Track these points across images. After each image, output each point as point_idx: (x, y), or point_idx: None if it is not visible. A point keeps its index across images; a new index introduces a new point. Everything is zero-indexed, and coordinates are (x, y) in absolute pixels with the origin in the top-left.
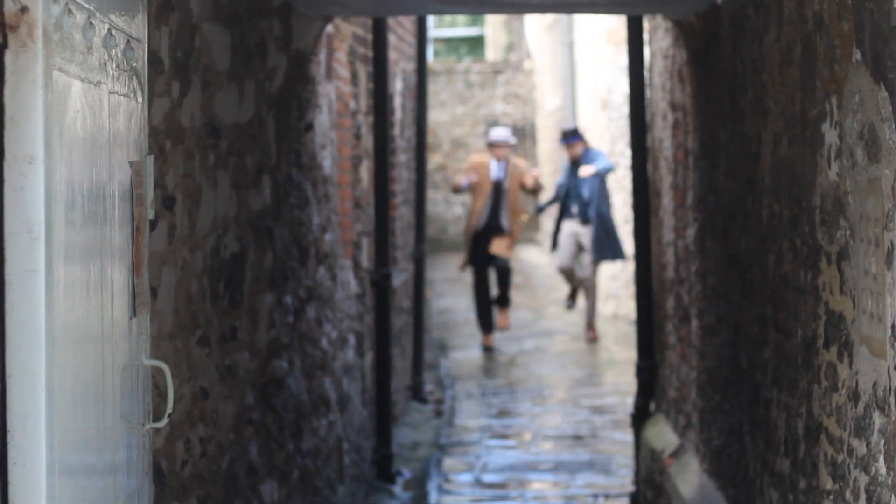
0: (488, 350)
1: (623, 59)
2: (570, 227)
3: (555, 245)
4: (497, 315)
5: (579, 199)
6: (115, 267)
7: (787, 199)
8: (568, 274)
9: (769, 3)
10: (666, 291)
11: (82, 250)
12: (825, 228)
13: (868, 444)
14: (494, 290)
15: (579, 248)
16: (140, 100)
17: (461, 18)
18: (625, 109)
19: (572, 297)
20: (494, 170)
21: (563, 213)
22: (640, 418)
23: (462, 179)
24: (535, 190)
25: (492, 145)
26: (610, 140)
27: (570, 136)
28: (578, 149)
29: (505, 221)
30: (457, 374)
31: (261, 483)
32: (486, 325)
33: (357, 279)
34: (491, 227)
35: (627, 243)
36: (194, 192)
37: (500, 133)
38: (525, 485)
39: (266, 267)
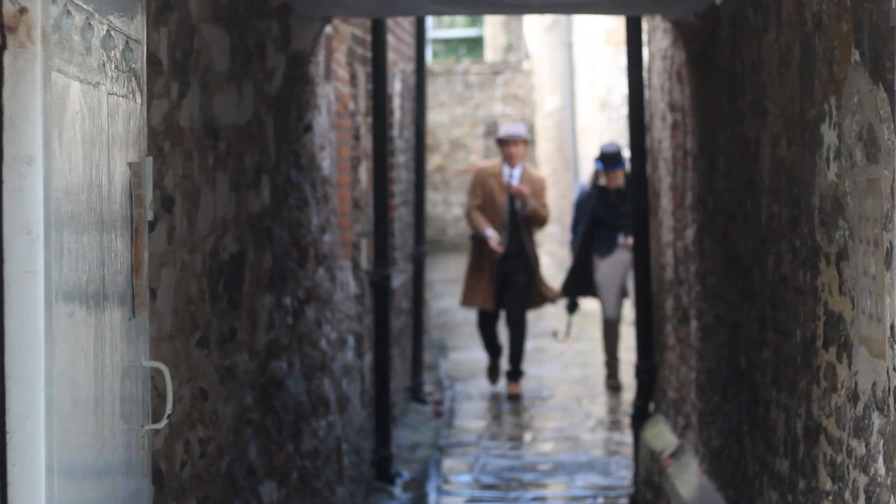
0: (492, 376)
1: (622, 60)
2: (617, 258)
3: (577, 288)
4: (506, 383)
5: (626, 227)
6: (115, 268)
7: (787, 200)
8: (614, 331)
9: (768, 3)
10: (665, 292)
11: (81, 251)
12: (824, 229)
13: (867, 445)
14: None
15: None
16: (139, 101)
17: (460, 19)
18: (624, 110)
19: (615, 376)
20: (508, 178)
21: (599, 245)
22: (639, 419)
23: (486, 229)
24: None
25: (503, 143)
26: (609, 141)
27: (614, 162)
28: (620, 179)
29: (528, 245)
30: (456, 376)
31: (260, 484)
32: (492, 350)
33: (356, 280)
34: (514, 255)
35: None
36: (193, 194)
37: (513, 127)
38: (524, 486)
39: (265, 268)
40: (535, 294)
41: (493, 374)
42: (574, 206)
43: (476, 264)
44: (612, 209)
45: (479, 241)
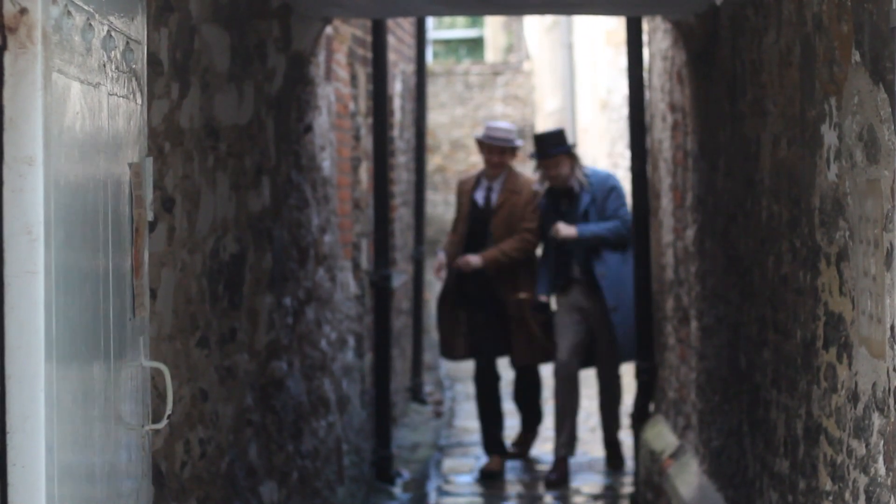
0: (490, 476)
1: (622, 61)
2: (573, 299)
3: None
4: (519, 434)
5: (580, 249)
6: (115, 269)
7: (787, 201)
8: (570, 387)
9: (768, 4)
10: (665, 292)
11: (81, 252)
12: (824, 229)
13: (867, 445)
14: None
15: (588, 335)
16: (139, 101)
17: (460, 20)
18: (624, 111)
19: (562, 468)
20: (480, 191)
21: (556, 276)
22: (639, 419)
23: (440, 257)
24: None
25: (484, 147)
26: (609, 142)
27: (550, 147)
28: (563, 167)
29: (497, 286)
30: (456, 376)
31: (260, 484)
32: (492, 441)
33: (356, 280)
34: (473, 289)
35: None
36: (193, 194)
37: (498, 127)
38: (524, 486)
39: (265, 268)
40: (517, 353)
41: (493, 457)
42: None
43: (447, 298)
44: (564, 220)
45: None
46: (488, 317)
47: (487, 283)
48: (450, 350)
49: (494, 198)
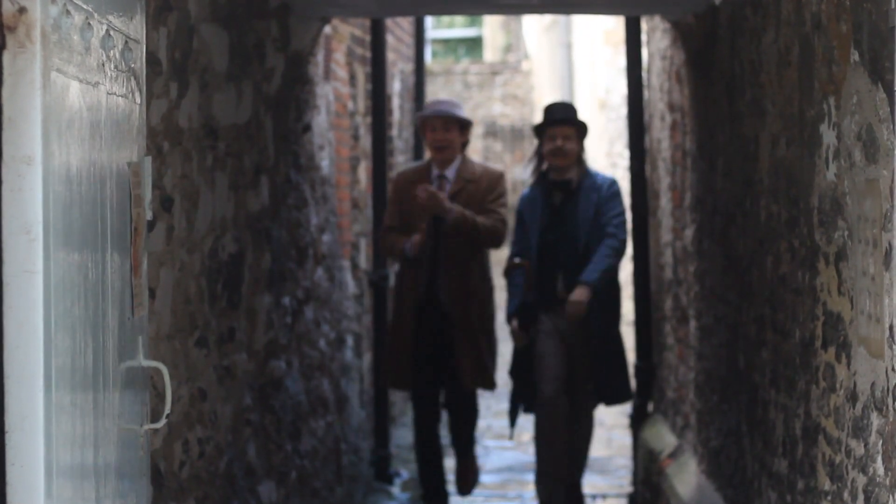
0: None
1: (621, 60)
2: (556, 321)
3: (520, 365)
4: (457, 466)
5: (571, 259)
6: (113, 268)
7: (786, 200)
8: (555, 421)
9: (767, 3)
10: (664, 292)
11: (80, 251)
12: (823, 229)
13: (866, 445)
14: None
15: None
16: (138, 101)
17: (459, 19)
18: (623, 110)
19: None
20: (435, 179)
21: (540, 294)
22: (638, 419)
23: (405, 243)
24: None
25: (428, 125)
26: (608, 141)
27: (560, 112)
28: (572, 142)
29: (443, 294)
30: None
31: (259, 484)
32: (433, 490)
33: (355, 280)
34: (433, 308)
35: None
36: (192, 193)
37: (441, 101)
38: (523, 485)
39: (264, 268)
40: (464, 372)
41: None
42: (515, 226)
43: (395, 322)
44: (556, 217)
45: (401, 286)
46: (434, 333)
47: (434, 285)
48: (405, 378)
49: (448, 188)
